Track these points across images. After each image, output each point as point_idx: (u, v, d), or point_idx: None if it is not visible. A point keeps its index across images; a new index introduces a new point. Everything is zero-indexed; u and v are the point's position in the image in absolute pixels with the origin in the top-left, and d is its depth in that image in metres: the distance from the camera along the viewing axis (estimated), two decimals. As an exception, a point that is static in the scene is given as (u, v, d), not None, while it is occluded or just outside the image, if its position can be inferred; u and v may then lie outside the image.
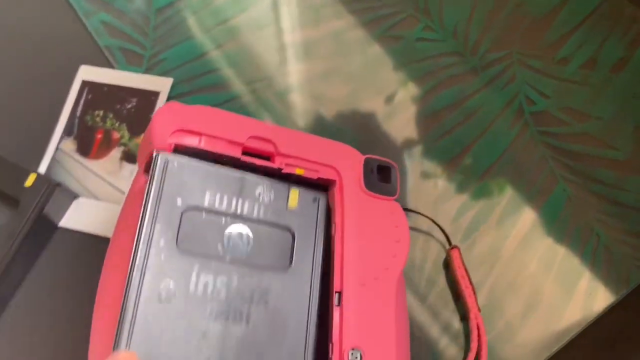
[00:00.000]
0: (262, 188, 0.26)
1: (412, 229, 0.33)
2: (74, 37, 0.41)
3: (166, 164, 0.25)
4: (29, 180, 0.33)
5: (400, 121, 0.37)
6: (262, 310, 0.23)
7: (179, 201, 0.24)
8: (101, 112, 0.38)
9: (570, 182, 0.34)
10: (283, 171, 0.27)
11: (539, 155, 0.35)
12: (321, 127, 0.36)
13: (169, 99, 0.38)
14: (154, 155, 0.25)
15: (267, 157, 0.27)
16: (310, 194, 0.27)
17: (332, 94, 0.38)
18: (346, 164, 0.28)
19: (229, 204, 0.25)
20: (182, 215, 0.24)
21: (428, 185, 0.34)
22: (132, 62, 0.39)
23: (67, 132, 0.37)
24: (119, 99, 0.38)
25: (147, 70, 0.39)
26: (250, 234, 0.24)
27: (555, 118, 0.36)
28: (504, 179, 0.34)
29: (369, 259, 0.26)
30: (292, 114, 0.37)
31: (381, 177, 0.28)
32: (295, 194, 0.26)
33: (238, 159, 0.26)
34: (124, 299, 0.22)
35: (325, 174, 0.28)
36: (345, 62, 0.39)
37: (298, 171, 0.27)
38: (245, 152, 0.27)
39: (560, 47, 0.38)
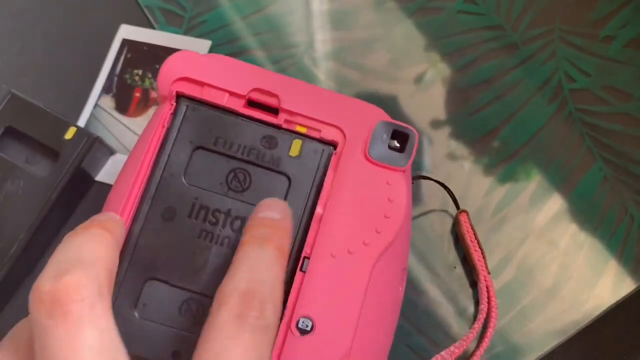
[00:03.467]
0: (267, 137, 0.26)
1: (432, 211, 0.33)
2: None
3: (180, 108, 0.26)
4: (69, 133, 0.34)
5: (432, 96, 0.36)
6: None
7: (190, 141, 0.26)
8: (140, 71, 0.38)
9: (608, 162, 0.34)
10: (283, 127, 0.26)
11: (576, 133, 0.35)
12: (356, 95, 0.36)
13: (206, 61, 0.38)
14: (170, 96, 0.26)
15: (274, 109, 0.26)
16: (315, 146, 0.26)
17: (370, 64, 0.37)
18: (355, 125, 0.26)
19: (234, 148, 0.26)
20: (192, 153, 0.26)
21: (456, 167, 0.34)
22: (172, 22, 0.39)
23: (106, 89, 0.38)
24: (158, 58, 0.38)
25: (187, 32, 0.39)
26: (250, 176, 0.26)
27: (596, 97, 0.35)
28: (532, 163, 0.34)
29: (347, 230, 0.25)
30: (327, 80, 0.37)
31: (395, 145, 0.27)
32: (297, 144, 0.26)
33: (237, 109, 0.26)
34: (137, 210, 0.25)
35: (328, 134, 0.26)
36: (384, 32, 0.39)
37: (299, 128, 0.26)
38: (251, 103, 0.27)
39: (604, 24, 0.38)
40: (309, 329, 0.23)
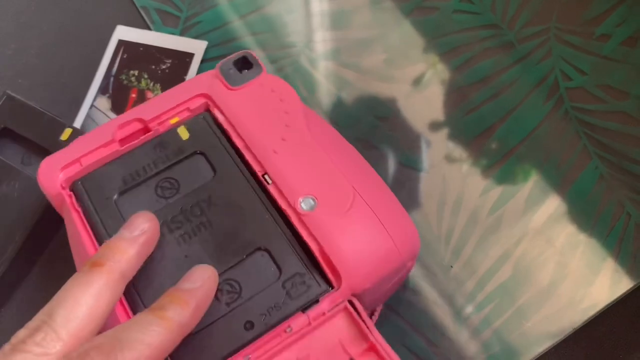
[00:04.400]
0: (156, 145, 0.29)
1: (428, 210, 0.33)
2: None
3: (77, 190, 0.28)
4: (65, 134, 0.34)
5: (430, 96, 0.36)
6: (217, 210, 0.26)
7: (106, 198, 0.27)
8: (136, 72, 0.38)
9: (604, 160, 0.34)
10: (161, 132, 0.29)
11: (572, 131, 0.35)
12: (353, 99, 0.36)
13: (203, 61, 0.38)
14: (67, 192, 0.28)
15: (143, 129, 0.29)
16: (193, 121, 0.29)
17: (368, 64, 0.37)
18: (209, 83, 0.30)
19: (142, 172, 0.28)
20: (116, 204, 0.27)
21: (453, 167, 0.34)
22: (168, 23, 0.39)
23: (102, 90, 0.38)
24: (154, 59, 0.38)
25: (183, 32, 0.39)
26: (174, 177, 0.28)
27: (592, 95, 0.35)
28: (530, 165, 0.34)
29: (267, 130, 0.28)
30: (325, 80, 0.37)
31: (242, 68, 0.30)
32: (182, 130, 0.29)
33: (119, 151, 0.28)
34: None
35: (195, 104, 0.29)
36: (380, 32, 0.38)
37: (173, 121, 0.29)
38: (123, 140, 0.29)
39: (600, 23, 0.38)
40: (313, 202, 0.25)
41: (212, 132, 0.29)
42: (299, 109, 0.29)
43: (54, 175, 0.28)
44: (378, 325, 0.31)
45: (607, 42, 0.37)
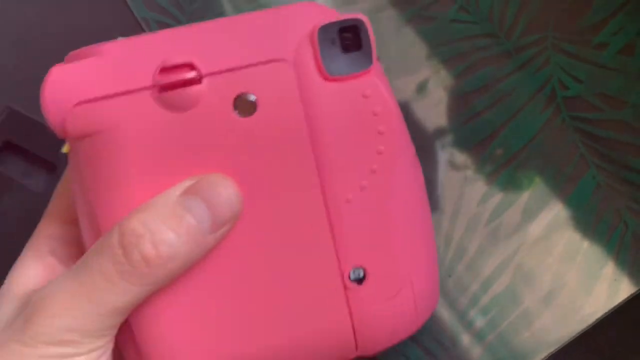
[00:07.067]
0: None
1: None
2: (111, 8, 0.41)
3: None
4: (67, 147, 0.34)
5: (430, 105, 0.37)
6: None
7: None
8: (136, 84, 0.38)
9: (602, 169, 0.34)
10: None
11: (569, 140, 0.35)
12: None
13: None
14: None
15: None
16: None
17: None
18: (296, 48, 0.21)
19: None
20: None
21: (457, 175, 0.34)
22: (168, 35, 0.40)
23: (103, 102, 0.38)
24: (154, 71, 0.38)
25: (182, 44, 0.39)
26: None
27: (589, 104, 0.36)
28: (533, 172, 0.34)
29: (348, 168, 0.21)
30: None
31: (347, 44, 0.21)
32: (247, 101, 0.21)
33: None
34: None
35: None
36: (380, 42, 0.39)
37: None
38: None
39: (597, 32, 0.38)
40: (362, 275, 0.22)
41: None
42: (396, 130, 0.22)
43: (65, 109, 0.21)
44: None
45: (604, 51, 0.37)
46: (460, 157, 0.35)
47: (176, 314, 0.21)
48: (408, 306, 0.23)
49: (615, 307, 0.31)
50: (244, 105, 0.20)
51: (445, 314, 0.31)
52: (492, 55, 0.37)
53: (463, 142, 0.35)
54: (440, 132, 0.36)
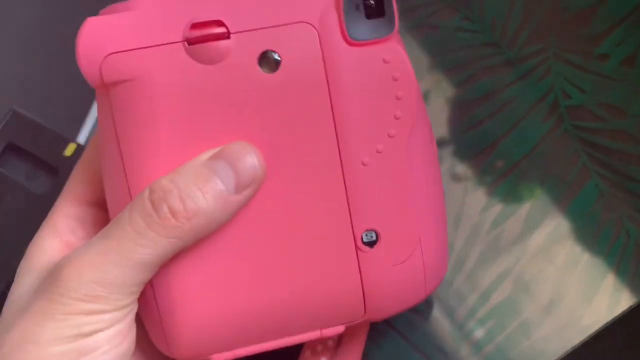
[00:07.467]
0: None
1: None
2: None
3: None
4: (69, 150, 0.34)
5: (432, 114, 0.37)
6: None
7: None
8: (140, 88, 0.39)
9: (604, 178, 0.34)
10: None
11: (571, 149, 0.35)
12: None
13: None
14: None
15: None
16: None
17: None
18: (320, 11, 0.21)
19: None
20: None
21: (458, 185, 0.35)
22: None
23: (107, 106, 0.38)
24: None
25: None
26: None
27: (591, 113, 0.36)
28: (535, 182, 0.34)
29: (366, 130, 0.22)
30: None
31: (371, 11, 0.22)
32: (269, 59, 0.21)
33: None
34: None
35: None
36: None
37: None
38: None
39: (600, 42, 0.38)
40: (374, 238, 0.23)
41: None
42: (414, 96, 0.22)
43: (98, 60, 0.21)
44: (376, 343, 0.31)
45: (606, 62, 0.37)
46: (461, 167, 0.35)
47: (197, 275, 0.22)
48: (417, 272, 0.24)
49: (615, 317, 0.31)
50: (268, 62, 0.21)
51: (446, 324, 0.31)
52: (493, 65, 0.38)
53: (464, 151, 0.35)
54: (442, 142, 0.36)
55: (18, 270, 0.24)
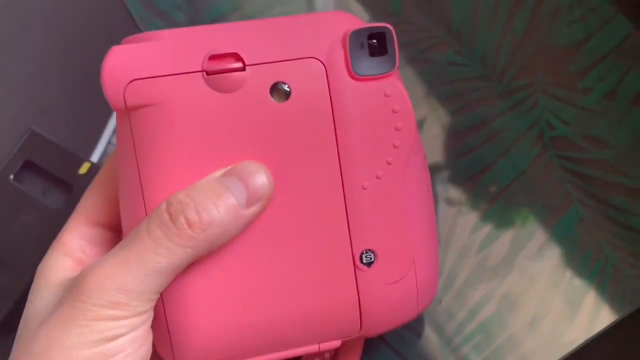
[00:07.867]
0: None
1: (431, 237, 0.35)
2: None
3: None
4: (83, 168, 0.36)
5: (428, 141, 0.39)
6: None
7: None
8: (151, 112, 0.41)
9: (585, 205, 0.36)
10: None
11: (556, 177, 0.37)
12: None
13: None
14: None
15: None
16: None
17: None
18: (328, 49, 0.23)
19: None
20: None
21: (451, 209, 0.37)
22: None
23: (119, 127, 0.40)
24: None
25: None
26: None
27: (574, 144, 0.38)
28: (524, 206, 0.36)
29: (367, 157, 0.24)
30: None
31: (374, 49, 0.24)
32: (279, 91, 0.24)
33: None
34: None
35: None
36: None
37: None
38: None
39: (583, 78, 0.40)
40: (372, 259, 0.24)
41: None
42: (411, 128, 0.24)
43: (121, 88, 0.23)
44: (371, 357, 0.32)
45: (589, 95, 0.40)
46: (455, 192, 0.37)
47: (203, 290, 0.24)
48: (411, 291, 0.25)
49: (595, 334, 0.32)
50: (279, 92, 0.23)
51: (435, 340, 0.33)
52: (485, 96, 0.40)
53: (457, 176, 0.37)
54: (437, 167, 0.38)
55: (32, 288, 0.25)
